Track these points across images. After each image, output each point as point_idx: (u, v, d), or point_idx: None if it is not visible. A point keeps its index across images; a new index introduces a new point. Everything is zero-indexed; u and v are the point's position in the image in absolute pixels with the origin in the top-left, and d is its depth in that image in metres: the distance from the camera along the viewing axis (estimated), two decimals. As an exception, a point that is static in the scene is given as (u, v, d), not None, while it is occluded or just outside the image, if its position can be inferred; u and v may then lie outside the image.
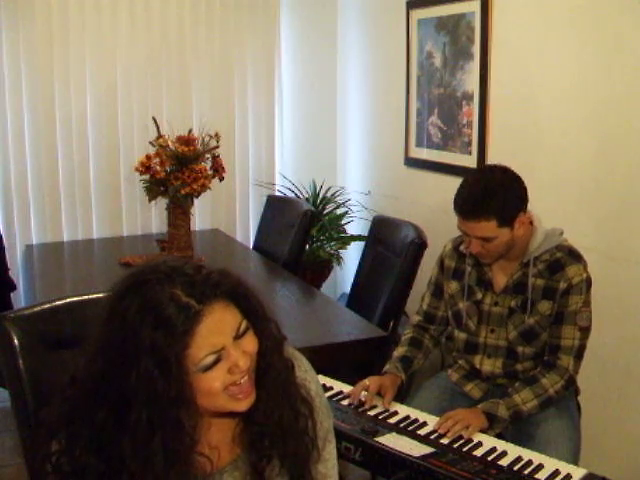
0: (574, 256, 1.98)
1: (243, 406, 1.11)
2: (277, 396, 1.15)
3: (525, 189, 1.96)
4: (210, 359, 1.05)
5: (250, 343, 1.10)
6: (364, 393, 1.98)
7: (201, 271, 1.09)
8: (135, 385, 1.02)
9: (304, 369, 1.25)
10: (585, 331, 1.97)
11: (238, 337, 1.08)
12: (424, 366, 2.24)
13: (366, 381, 2.00)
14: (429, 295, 2.23)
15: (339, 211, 4.18)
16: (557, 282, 1.96)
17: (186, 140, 3.11)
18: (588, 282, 1.97)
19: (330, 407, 1.29)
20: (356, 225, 4.16)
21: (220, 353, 1.06)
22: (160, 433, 1.03)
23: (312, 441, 1.18)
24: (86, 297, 1.57)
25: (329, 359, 2.32)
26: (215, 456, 1.16)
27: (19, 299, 3.50)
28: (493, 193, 1.90)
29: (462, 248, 2.11)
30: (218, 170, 3.21)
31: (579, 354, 1.97)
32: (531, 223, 2.01)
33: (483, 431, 1.84)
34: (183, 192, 3.05)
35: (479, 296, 2.07)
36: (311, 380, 1.24)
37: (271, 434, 1.15)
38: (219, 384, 1.06)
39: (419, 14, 3.46)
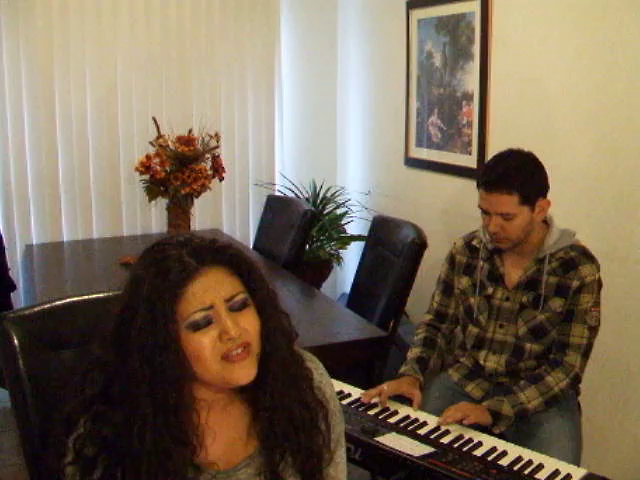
0: (588, 256, 1.99)
1: (241, 377, 1.11)
2: (284, 382, 1.16)
3: (547, 176, 2.00)
4: (199, 315, 1.08)
5: (248, 319, 1.12)
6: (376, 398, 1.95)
7: (206, 240, 1.16)
8: (134, 335, 1.07)
9: (320, 372, 1.27)
10: (594, 331, 1.97)
11: (235, 309, 1.11)
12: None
13: (384, 386, 1.98)
14: (439, 293, 2.23)
15: (339, 211, 4.18)
16: (570, 280, 1.96)
17: (186, 140, 3.11)
18: (599, 283, 1.98)
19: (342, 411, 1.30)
20: (356, 225, 4.16)
21: (209, 313, 1.09)
22: (147, 380, 1.07)
23: (325, 442, 1.20)
24: (86, 297, 1.57)
25: (329, 359, 2.30)
26: (229, 453, 1.17)
27: (19, 299, 3.50)
28: (518, 168, 1.95)
29: (475, 242, 2.13)
30: (218, 170, 3.22)
31: (586, 353, 1.97)
32: (545, 222, 2.03)
33: (489, 428, 1.84)
34: (183, 192, 3.06)
35: (490, 291, 2.07)
36: (326, 383, 1.27)
37: (281, 424, 1.16)
38: (208, 351, 1.08)
39: (419, 14, 3.45)
